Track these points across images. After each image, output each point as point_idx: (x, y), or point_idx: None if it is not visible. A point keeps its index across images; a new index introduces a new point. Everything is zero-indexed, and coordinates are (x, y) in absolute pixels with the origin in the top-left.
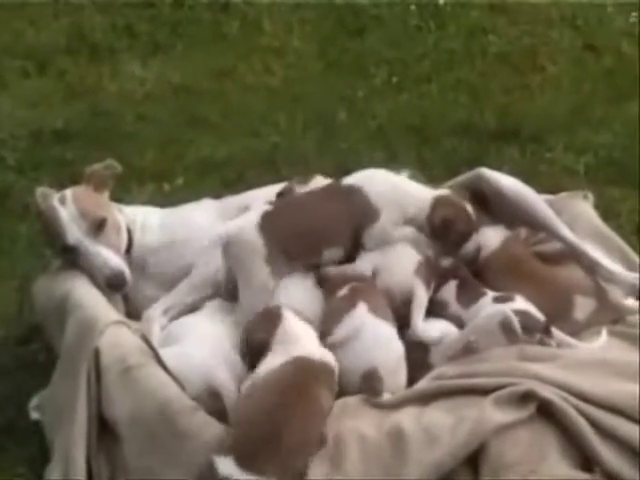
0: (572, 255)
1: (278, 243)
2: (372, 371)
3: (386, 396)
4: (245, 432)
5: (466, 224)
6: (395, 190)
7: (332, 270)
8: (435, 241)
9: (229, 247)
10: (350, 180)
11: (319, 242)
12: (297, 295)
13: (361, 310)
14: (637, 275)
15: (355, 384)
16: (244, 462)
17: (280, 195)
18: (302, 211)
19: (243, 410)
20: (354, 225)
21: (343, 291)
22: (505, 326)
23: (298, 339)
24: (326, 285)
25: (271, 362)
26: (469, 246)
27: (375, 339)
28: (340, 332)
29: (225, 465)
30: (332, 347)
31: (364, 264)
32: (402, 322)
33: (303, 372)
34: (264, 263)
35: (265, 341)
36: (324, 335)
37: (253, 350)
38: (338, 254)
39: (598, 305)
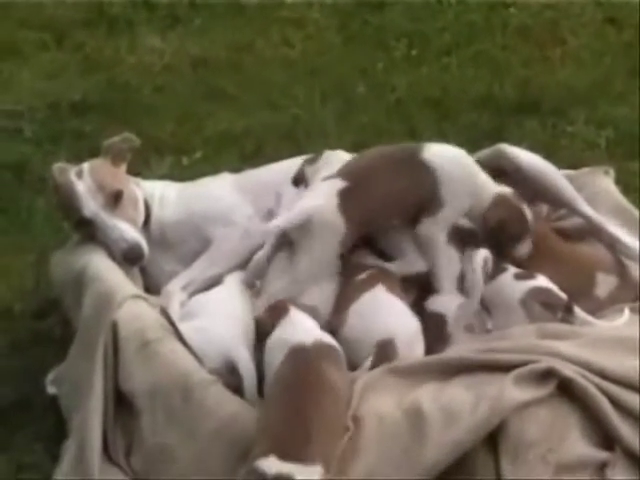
0: (593, 232)
1: (356, 225)
2: (388, 341)
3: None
4: (275, 430)
5: (521, 227)
6: (466, 182)
7: (353, 258)
8: (488, 239)
9: (310, 225)
10: (427, 154)
11: (389, 220)
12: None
13: (379, 289)
14: None
15: (370, 353)
16: (287, 456)
17: (295, 182)
18: (377, 188)
19: (266, 412)
20: (417, 208)
21: (362, 276)
22: (526, 303)
23: (295, 326)
24: (345, 271)
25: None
26: (522, 248)
27: (392, 311)
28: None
29: (270, 465)
30: (350, 316)
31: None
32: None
33: (303, 359)
34: (338, 245)
35: (270, 328)
36: (339, 310)
37: (261, 334)
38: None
39: (620, 282)
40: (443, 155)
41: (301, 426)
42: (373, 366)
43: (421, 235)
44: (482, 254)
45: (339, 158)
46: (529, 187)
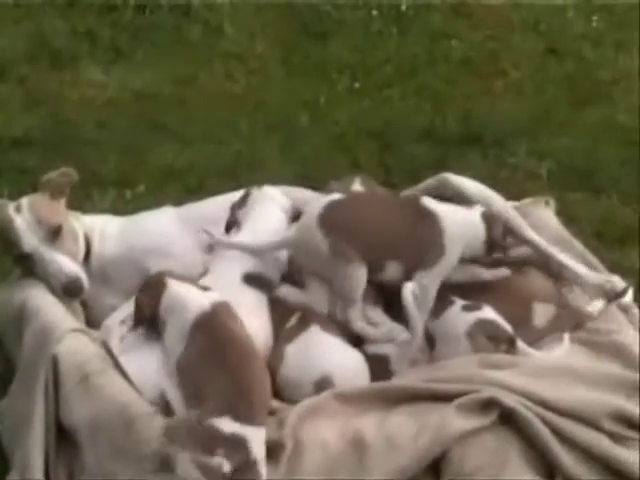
0: (538, 258)
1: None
2: (325, 379)
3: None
4: (223, 394)
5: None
6: (465, 233)
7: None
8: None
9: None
10: (432, 205)
11: (385, 250)
12: None
13: (314, 329)
14: (604, 276)
15: (309, 395)
16: (238, 419)
17: (227, 227)
18: (371, 213)
19: (206, 378)
20: (420, 253)
21: (295, 317)
22: (472, 335)
23: (185, 301)
24: (275, 312)
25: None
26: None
27: (328, 349)
28: (290, 349)
29: (225, 425)
30: (287, 356)
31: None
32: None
33: (210, 326)
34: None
35: (153, 308)
36: (277, 349)
37: (145, 316)
38: (397, 272)
39: (558, 311)
40: (445, 208)
41: (244, 388)
42: None
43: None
44: (409, 287)
45: (267, 195)
46: None
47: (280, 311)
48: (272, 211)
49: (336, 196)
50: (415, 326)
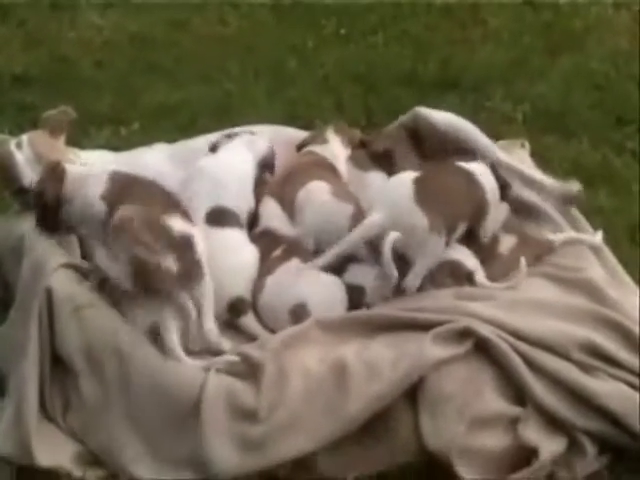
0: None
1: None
2: (300, 305)
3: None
4: None
5: None
6: (493, 186)
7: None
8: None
9: None
10: (470, 167)
11: (460, 215)
12: None
13: (294, 261)
14: (569, 185)
15: (285, 321)
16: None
17: (211, 149)
18: (446, 184)
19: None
20: (476, 211)
21: (277, 251)
22: (434, 278)
23: (87, 179)
24: (260, 245)
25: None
26: None
27: (305, 279)
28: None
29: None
30: (267, 285)
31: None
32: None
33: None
34: None
35: (58, 195)
36: (259, 280)
37: (49, 205)
38: (462, 231)
39: (519, 241)
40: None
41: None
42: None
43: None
44: (392, 236)
45: (246, 138)
46: (447, 142)
47: (266, 243)
48: (243, 152)
49: (413, 174)
50: (390, 270)
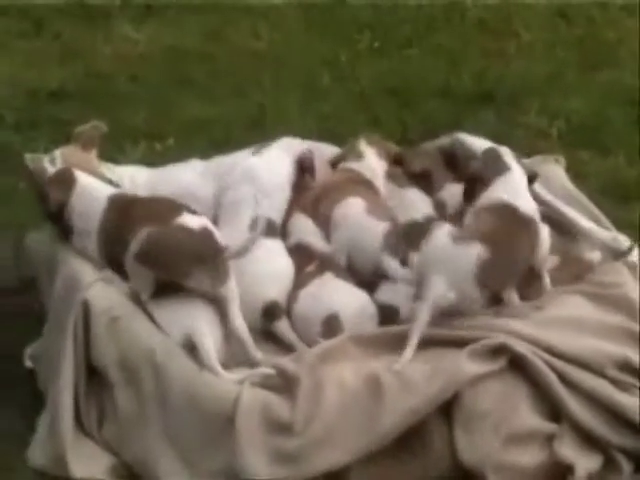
0: (546, 214)
1: None
2: (332, 316)
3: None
4: None
5: None
6: None
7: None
8: None
9: None
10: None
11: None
12: None
13: (328, 276)
14: (612, 234)
15: (318, 333)
16: None
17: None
18: (512, 253)
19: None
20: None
21: (312, 265)
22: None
23: (98, 188)
24: (294, 259)
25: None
26: None
27: (337, 290)
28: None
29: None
30: (301, 296)
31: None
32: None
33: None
34: None
35: (64, 201)
36: (293, 293)
37: (56, 209)
38: None
39: (561, 261)
40: None
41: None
42: (324, 334)
43: None
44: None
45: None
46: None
47: (300, 257)
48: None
49: (478, 246)
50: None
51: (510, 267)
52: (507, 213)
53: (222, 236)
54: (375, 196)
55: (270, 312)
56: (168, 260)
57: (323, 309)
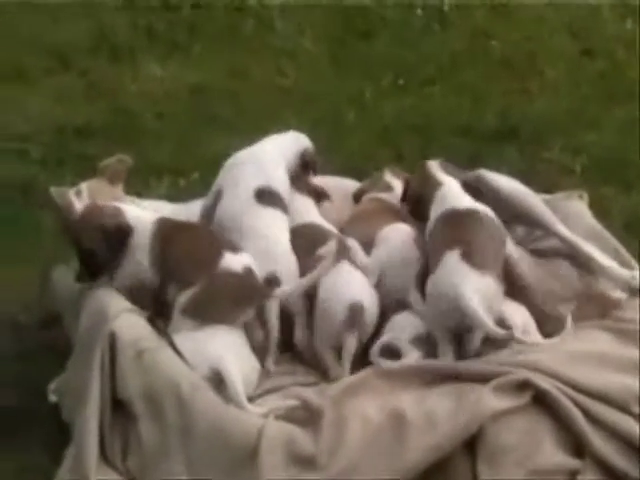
0: (568, 252)
1: None
2: (357, 304)
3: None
4: None
5: None
6: None
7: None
8: None
9: None
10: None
11: None
12: None
13: (345, 264)
14: (632, 273)
15: (342, 314)
16: None
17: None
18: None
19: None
20: None
21: (324, 249)
22: None
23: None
24: (306, 238)
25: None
26: None
27: (356, 279)
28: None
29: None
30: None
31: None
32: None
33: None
34: None
35: (121, 226)
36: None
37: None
38: None
39: (579, 303)
40: None
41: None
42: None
43: None
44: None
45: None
46: (508, 210)
47: (314, 237)
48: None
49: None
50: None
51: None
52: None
53: (223, 207)
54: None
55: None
56: (216, 312)
57: (348, 297)
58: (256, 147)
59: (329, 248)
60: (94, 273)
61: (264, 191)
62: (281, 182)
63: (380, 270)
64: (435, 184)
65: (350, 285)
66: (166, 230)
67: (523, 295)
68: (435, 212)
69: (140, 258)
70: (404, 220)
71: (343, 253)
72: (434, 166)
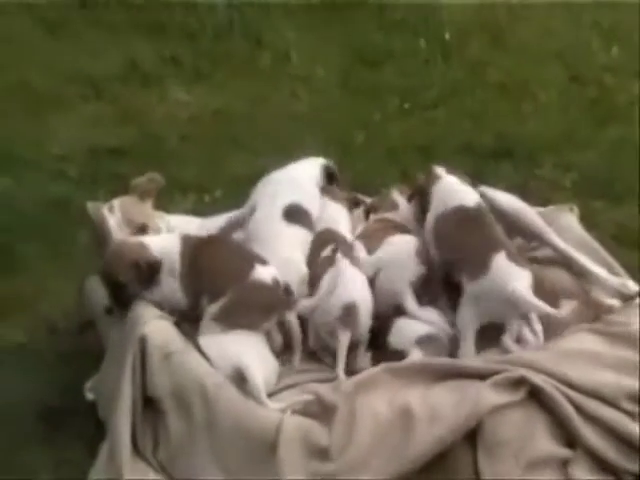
0: (562, 261)
1: None
2: (352, 304)
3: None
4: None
5: None
6: None
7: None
8: None
9: None
10: None
11: None
12: None
13: (343, 263)
14: (621, 280)
15: (336, 316)
16: None
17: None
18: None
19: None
20: None
21: (327, 251)
22: None
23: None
24: (315, 241)
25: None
26: None
27: (355, 280)
28: (326, 278)
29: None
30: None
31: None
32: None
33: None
34: None
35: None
36: (312, 282)
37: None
38: None
39: (580, 306)
40: None
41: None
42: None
43: None
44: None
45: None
46: (506, 223)
47: (319, 240)
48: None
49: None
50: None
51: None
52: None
53: (255, 219)
54: (422, 242)
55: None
56: (245, 319)
57: (345, 297)
58: (288, 168)
59: (329, 251)
60: (125, 305)
61: (293, 208)
62: (312, 196)
63: (377, 267)
64: (434, 178)
65: (347, 285)
66: (193, 246)
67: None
68: (437, 206)
69: (172, 285)
70: (409, 233)
71: (346, 252)
72: (438, 167)
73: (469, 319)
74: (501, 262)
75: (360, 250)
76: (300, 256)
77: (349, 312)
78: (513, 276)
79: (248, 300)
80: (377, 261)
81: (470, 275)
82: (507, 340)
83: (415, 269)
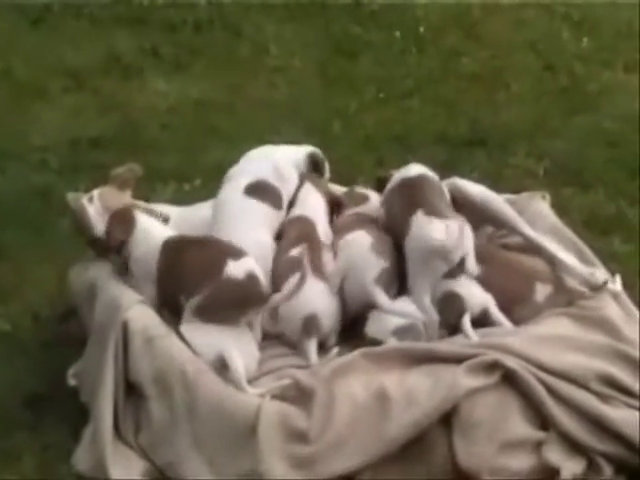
0: (532, 249)
1: None
2: (312, 315)
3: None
4: None
5: None
6: None
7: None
8: None
9: None
10: None
11: None
12: None
13: (307, 270)
14: (590, 270)
15: (297, 328)
16: None
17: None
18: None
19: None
20: None
21: (294, 252)
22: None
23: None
24: (287, 229)
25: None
26: None
27: (315, 291)
28: (286, 286)
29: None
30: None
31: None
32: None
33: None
34: None
35: (124, 241)
36: (275, 288)
37: (114, 248)
38: None
39: (554, 290)
40: None
41: None
42: (300, 337)
43: None
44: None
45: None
46: (477, 212)
47: (291, 232)
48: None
49: None
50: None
51: None
52: None
53: (218, 199)
54: (380, 233)
55: None
56: (221, 314)
57: (303, 310)
58: (269, 147)
59: (299, 252)
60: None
61: (259, 184)
62: (284, 177)
63: (341, 277)
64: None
65: (305, 297)
66: (166, 251)
67: (505, 266)
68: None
69: (148, 290)
70: (370, 227)
71: (313, 258)
72: None
73: (418, 284)
74: (420, 219)
75: (328, 262)
76: (269, 238)
77: (311, 322)
78: (434, 227)
79: (221, 298)
80: (339, 272)
81: (401, 239)
82: (466, 322)
83: (375, 265)
